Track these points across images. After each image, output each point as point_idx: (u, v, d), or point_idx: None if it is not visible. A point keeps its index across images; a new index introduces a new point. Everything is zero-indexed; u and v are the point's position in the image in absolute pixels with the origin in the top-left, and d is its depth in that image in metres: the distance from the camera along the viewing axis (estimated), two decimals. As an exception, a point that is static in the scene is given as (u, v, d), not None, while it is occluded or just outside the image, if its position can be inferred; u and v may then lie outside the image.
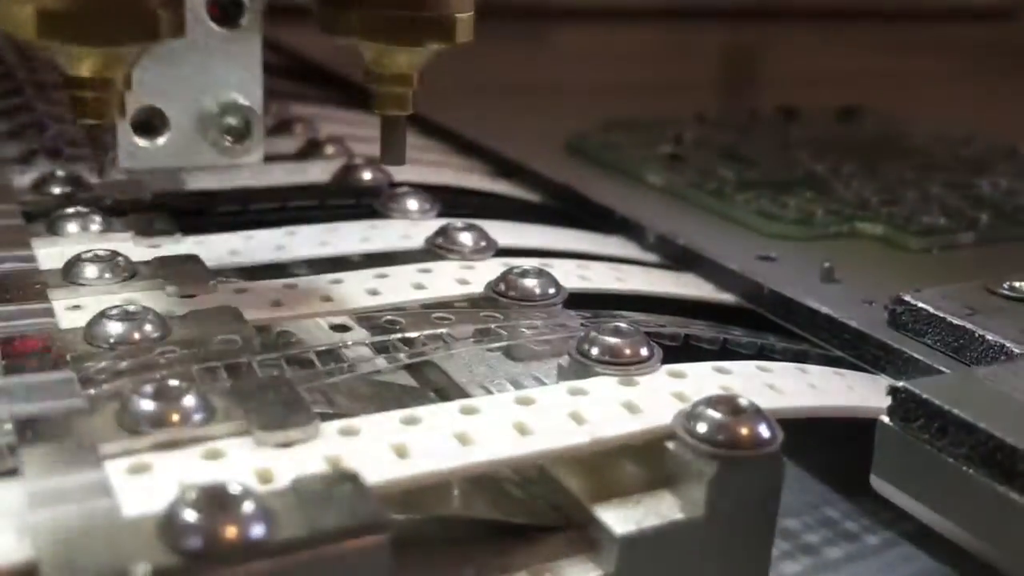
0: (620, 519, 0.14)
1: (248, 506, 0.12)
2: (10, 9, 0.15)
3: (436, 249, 0.22)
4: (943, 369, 0.18)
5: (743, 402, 0.15)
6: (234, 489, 0.12)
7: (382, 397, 0.18)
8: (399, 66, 0.18)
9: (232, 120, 0.23)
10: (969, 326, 0.19)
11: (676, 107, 0.41)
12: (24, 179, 0.25)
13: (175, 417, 0.14)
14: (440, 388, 0.19)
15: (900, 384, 0.16)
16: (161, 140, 0.22)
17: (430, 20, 0.17)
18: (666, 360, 0.17)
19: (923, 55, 0.64)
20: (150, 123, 0.22)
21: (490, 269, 0.21)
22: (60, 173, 0.25)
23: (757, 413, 0.15)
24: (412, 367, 0.19)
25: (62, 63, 0.16)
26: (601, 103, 0.42)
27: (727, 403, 0.15)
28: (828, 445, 0.19)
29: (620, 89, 0.45)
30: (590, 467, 0.15)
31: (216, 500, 0.12)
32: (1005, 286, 0.20)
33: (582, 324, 0.19)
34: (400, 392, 0.18)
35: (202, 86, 0.23)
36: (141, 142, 0.22)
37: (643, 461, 0.15)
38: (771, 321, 0.22)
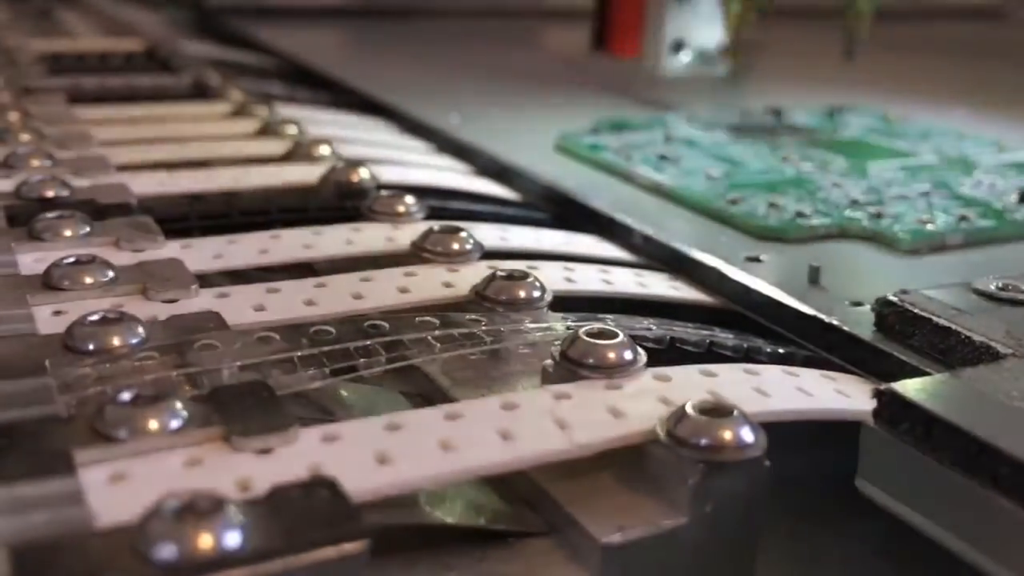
0: (603, 525, 0.14)
1: (223, 516, 0.12)
2: None
3: (421, 252, 0.22)
4: (930, 371, 0.18)
5: (727, 406, 0.15)
6: (210, 498, 0.12)
7: (365, 401, 0.18)
8: None
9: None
10: (955, 327, 0.18)
11: (664, 107, 0.41)
12: (7, 183, 0.25)
13: (152, 424, 0.14)
14: (424, 392, 0.18)
15: (885, 387, 0.16)
16: (685, 59, 0.38)
17: None
18: (652, 363, 0.17)
19: (912, 54, 0.64)
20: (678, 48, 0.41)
21: (475, 272, 0.21)
22: (44, 177, 0.25)
23: (741, 417, 0.15)
24: (396, 371, 0.18)
25: None
26: (590, 102, 0.42)
27: (711, 407, 0.15)
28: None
29: (609, 88, 0.45)
30: (573, 470, 0.15)
31: (191, 510, 0.12)
32: (992, 286, 0.20)
33: (567, 327, 0.19)
34: (383, 396, 0.18)
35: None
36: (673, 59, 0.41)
37: (627, 464, 0.15)
38: (758, 323, 0.22)
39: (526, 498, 0.16)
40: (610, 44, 0.47)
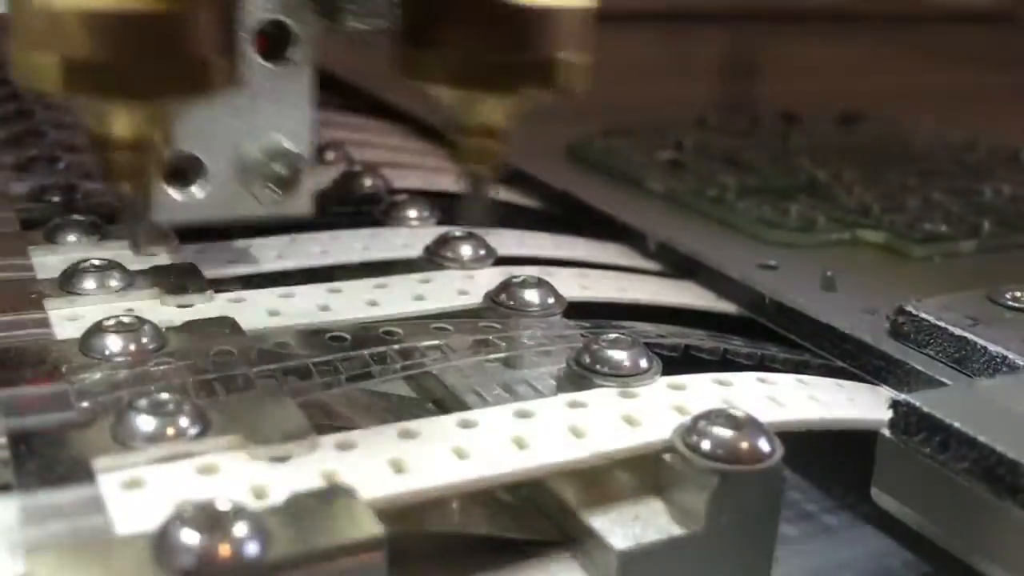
0: (619, 533, 0.14)
1: (242, 524, 0.12)
2: (31, 59, 0.12)
3: (435, 258, 0.22)
4: (945, 380, 0.18)
5: (743, 416, 0.15)
6: (228, 507, 0.12)
7: (380, 408, 0.18)
8: (487, 115, 0.15)
9: (278, 168, 0.20)
10: (971, 337, 0.18)
11: (677, 111, 0.41)
12: (22, 187, 0.25)
13: (170, 431, 0.14)
14: (438, 399, 0.18)
15: (901, 398, 0.16)
16: (197, 190, 0.20)
17: (528, 65, 0.14)
18: (666, 370, 0.17)
19: (924, 58, 0.64)
20: (184, 172, 0.20)
21: (489, 278, 0.21)
22: (57, 181, 0.25)
23: (757, 427, 0.15)
24: (411, 377, 0.18)
25: (89, 120, 0.13)
26: (602, 107, 0.42)
27: (727, 417, 0.15)
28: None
29: (621, 93, 0.45)
30: (588, 478, 0.15)
31: (210, 518, 0.12)
32: (1007, 296, 0.20)
33: (581, 334, 0.19)
34: (398, 403, 0.18)
35: (243, 129, 0.20)
36: (175, 193, 0.20)
37: (642, 473, 0.15)
38: (772, 330, 0.22)
39: (541, 506, 0.16)
40: None
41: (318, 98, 0.20)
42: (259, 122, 0.20)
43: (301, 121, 0.20)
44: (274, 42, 0.20)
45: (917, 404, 0.16)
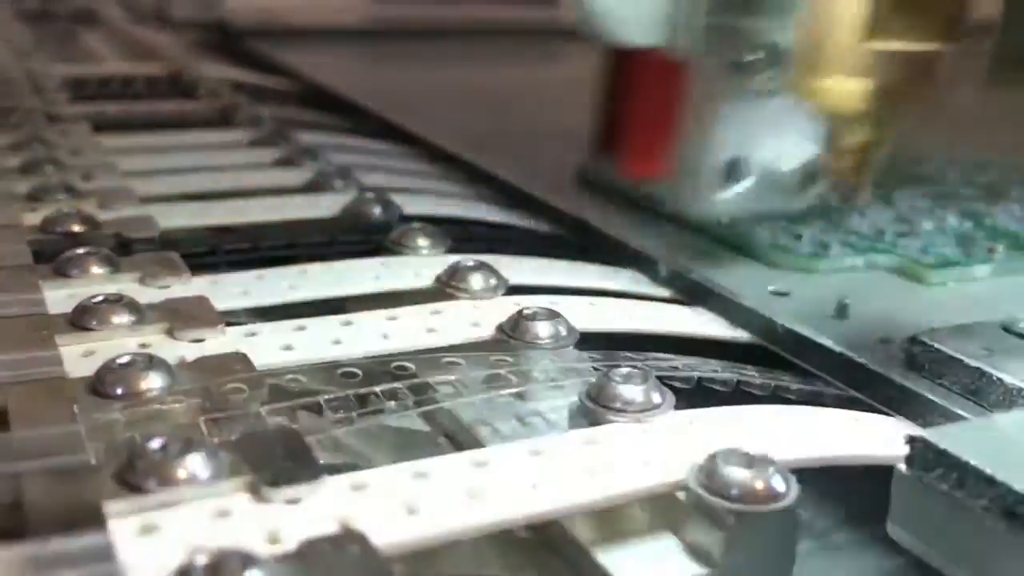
0: (633, 574, 0.14)
1: (255, 573, 0.12)
2: (840, 85, 0.17)
3: (446, 288, 0.22)
4: (961, 412, 0.18)
5: (758, 454, 0.15)
6: (240, 555, 0.12)
7: (393, 443, 0.18)
8: None
9: (796, 166, 0.24)
10: (986, 368, 0.18)
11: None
12: (34, 217, 0.25)
13: (182, 474, 0.14)
14: (451, 433, 0.18)
15: (918, 434, 0.16)
16: (741, 187, 0.23)
17: None
18: (679, 400, 0.17)
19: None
20: (734, 171, 0.24)
21: (501, 309, 0.21)
22: (70, 211, 0.25)
23: (772, 466, 0.15)
24: (423, 413, 0.18)
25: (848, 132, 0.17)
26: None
27: (741, 455, 0.15)
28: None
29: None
30: (602, 516, 0.15)
31: (221, 568, 0.11)
32: (1023, 324, 0.20)
33: (594, 367, 0.19)
34: (411, 438, 0.18)
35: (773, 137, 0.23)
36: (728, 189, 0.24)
37: (657, 512, 0.15)
38: (785, 357, 0.22)
39: (555, 545, 0.16)
40: (622, 158, 0.29)
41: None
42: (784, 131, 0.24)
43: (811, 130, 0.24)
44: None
45: (933, 440, 0.16)
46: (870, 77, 0.18)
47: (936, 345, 0.19)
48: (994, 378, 0.18)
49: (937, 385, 0.19)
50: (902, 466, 0.16)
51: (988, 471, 0.15)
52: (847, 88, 0.18)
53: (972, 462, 0.15)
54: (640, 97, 0.26)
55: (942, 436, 0.16)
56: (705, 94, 0.24)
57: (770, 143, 0.24)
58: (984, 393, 0.18)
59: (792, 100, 0.22)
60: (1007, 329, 0.20)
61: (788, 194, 0.24)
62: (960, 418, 0.18)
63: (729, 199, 0.24)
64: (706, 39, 0.22)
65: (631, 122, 0.28)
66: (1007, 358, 0.19)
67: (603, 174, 0.33)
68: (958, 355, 0.19)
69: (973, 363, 0.19)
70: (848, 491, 0.18)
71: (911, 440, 0.16)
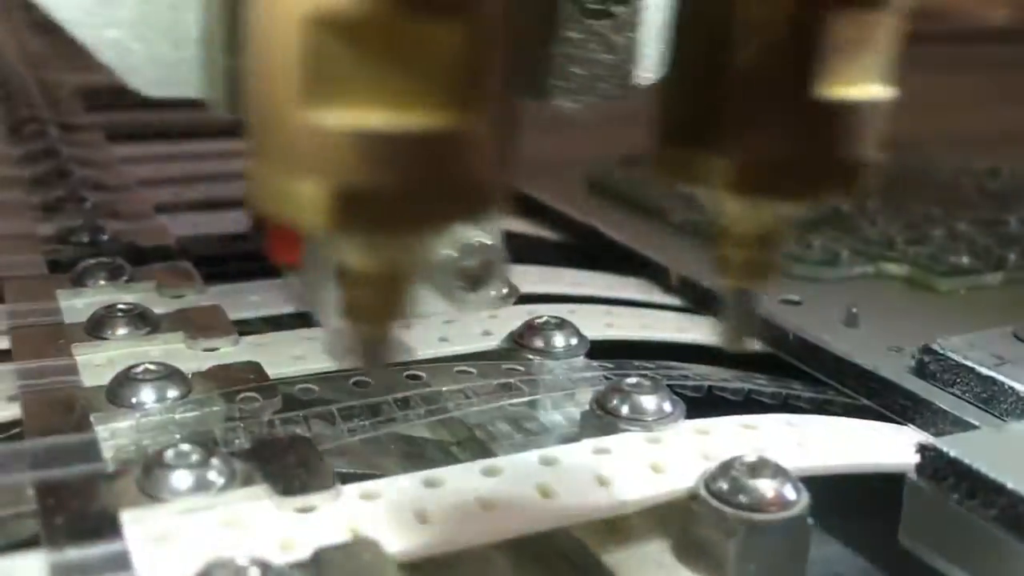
0: (644, 583, 0.14)
1: (269, 582, 0.12)
2: (283, 186, 0.10)
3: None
4: (972, 421, 0.18)
5: (768, 463, 0.15)
6: (254, 564, 0.12)
7: (405, 452, 0.18)
8: (770, 225, 0.12)
9: (469, 263, 0.19)
10: (998, 377, 0.18)
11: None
12: (49, 227, 0.26)
13: (196, 483, 0.14)
14: (462, 441, 0.18)
15: (929, 442, 0.16)
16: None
17: (833, 167, 0.12)
18: (690, 409, 0.17)
19: (946, 79, 0.64)
20: None
21: (512, 318, 0.21)
22: (84, 221, 0.25)
23: (783, 474, 0.15)
24: (435, 421, 0.18)
25: (349, 257, 0.10)
26: (623, 133, 0.42)
27: (752, 464, 0.15)
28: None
29: (641, 119, 0.45)
30: (613, 525, 0.15)
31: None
32: (1035, 333, 0.20)
33: (605, 376, 0.19)
34: (423, 446, 0.18)
35: None
36: None
37: (668, 520, 0.15)
38: (796, 366, 0.22)
39: (566, 553, 0.16)
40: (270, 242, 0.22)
41: None
42: None
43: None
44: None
45: (944, 449, 0.16)
46: (338, 171, 0.09)
47: (947, 353, 0.19)
48: (1006, 386, 0.18)
49: (948, 393, 0.19)
50: (913, 474, 0.16)
51: (999, 479, 0.15)
52: (308, 190, 0.10)
53: (983, 470, 0.15)
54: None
55: (953, 444, 0.16)
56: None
57: None
58: (996, 401, 0.18)
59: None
60: (1019, 337, 0.20)
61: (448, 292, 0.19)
62: (971, 427, 0.18)
63: None
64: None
65: None
66: (1019, 366, 0.19)
67: (614, 183, 0.33)
68: (969, 363, 0.19)
69: (985, 371, 0.19)
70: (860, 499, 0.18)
71: (922, 448, 0.16)
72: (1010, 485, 0.15)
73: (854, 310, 0.22)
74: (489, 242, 0.19)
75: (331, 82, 0.09)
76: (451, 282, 0.19)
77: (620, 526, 0.15)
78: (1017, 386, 0.18)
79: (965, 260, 0.26)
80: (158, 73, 0.13)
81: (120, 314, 0.19)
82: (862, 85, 0.11)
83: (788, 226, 0.12)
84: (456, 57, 0.09)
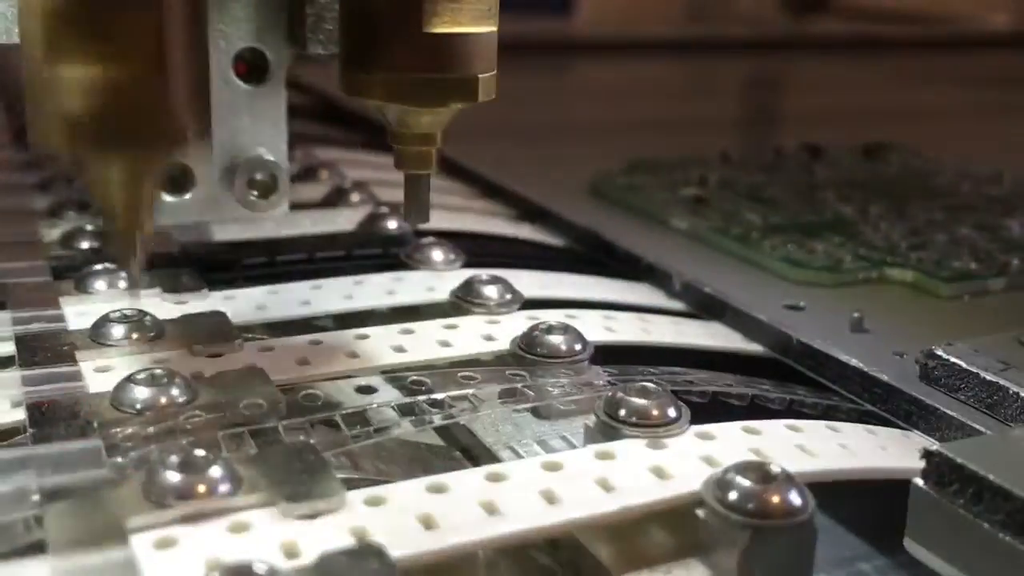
0: (649, 589, 0.14)
1: (274, 588, 0.12)
2: (44, 123, 0.15)
3: (461, 303, 0.22)
4: (977, 426, 0.18)
5: (774, 468, 0.15)
6: (259, 569, 0.12)
7: (409, 458, 0.18)
8: (423, 126, 0.18)
9: (259, 175, 0.23)
10: (1003, 382, 0.18)
11: (700, 142, 0.41)
12: (53, 233, 0.26)
13: (201, 489, 0.14)
14: (467, 447, 0.18)
15: (934, 448, 0.16)
16: (188, 195, 0.22)
17: (454, 82, 0.17)
18: (694, 414, 0.17)
19: (948, 85, 0.64)
20: (177, 179, 0.22)
21: (516, 323, 0.21)
22: (89, 227, 0.25)
23: (788, 480, 0.15)
24: (439, 427, 0.18)
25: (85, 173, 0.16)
26: (624, 139, 0.42)
27: (757, 470, 0.15)
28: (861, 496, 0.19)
29: (643, 124, 0.46)
30: (617, 531, 0.15)
31: (242, 583, 0.12)
32: (1039, 338, 0.20)
33: (609, 382, 0.19)
34: (427, 452, 0.18)
35: (228, 142, 0.22)
36: (169, 198, 0.22)
37: (673, 527, 0.15)
38: (799, 371, 0.22)
39: (569, 560, 0.16)
40: None
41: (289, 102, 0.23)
42: (241, 136, 0.22)
43: (278, 134, 0.23)
44: (251, 67, 0.22)
45: (950, 454, 0.16)
46: (62, 108, 0.14)
47: (952, 359, 0.19)
48: (1010, 392, 0.18)
49: (953, 399, 0.19)
50: (919, 480, 0.16)
51: (1005, 485, 0.15)
52: (47, 123, 0.15)
53: (989, 476, 0.15)
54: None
55: (958, 450, 0.16)
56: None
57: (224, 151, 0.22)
58: (1000, 407, 0.18)
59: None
60: (1023, 342, 0.20)
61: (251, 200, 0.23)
62: (976, 432, 0.18)
63: (175, 206, 0.22)
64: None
65: None
66: (1023, 371, 0.19)
67: (617, 188, 0.33)
68: (974, 369, 0.19)
69: (989, 377, 0.19)
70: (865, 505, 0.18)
71: (927, 454, 0.16)
72: (1016, 490, 0.15)
73: (857, 314, 0.22)
74: (273, 158, 0.23)
75: (59, 49, 0.14)
76: (244, 190, 0.22)
77: (624, 532, 0.15)
78: (1022, 391, 0.18)
79: (968, 265, 0.26)
80: None
81: (124, 320, 0.19)
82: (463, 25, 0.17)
83: (440, 127, 0.18)
84: (140, 37, 0.14)
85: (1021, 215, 0.31)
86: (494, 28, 0.18)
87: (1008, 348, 0.20)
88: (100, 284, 0.22)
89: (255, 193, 0.23)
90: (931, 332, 0.22)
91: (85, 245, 0.25)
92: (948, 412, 0.19)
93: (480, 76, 0.18)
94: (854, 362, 0.21)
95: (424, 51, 0.17)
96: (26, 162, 0.33)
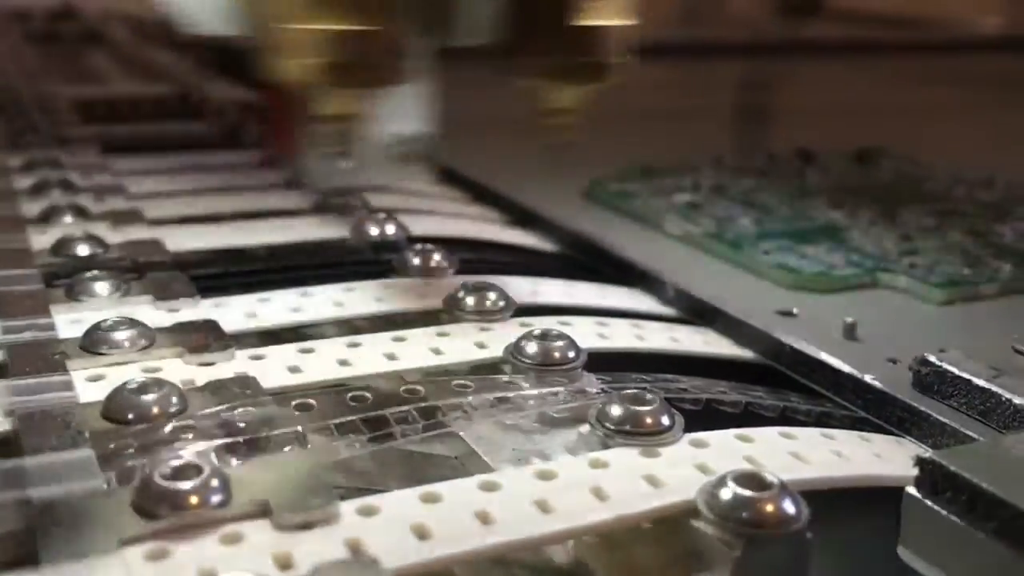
0: (643, 598, 0.14)
1: (267, 600, 0.12)
2: (289, 65, 0.20)
3: (454, 310, 0.22)
4: (970, 433, 0.18)
5: (768, 477, 0.15)
6: (253, 582, 0.12)
7: (402, 467, 0.18)
8: (565, 101, 0.23)
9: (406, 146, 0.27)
10: (995, 389, 0.18)
11: (693, 146, 0.41)
12: (45, 240, 0.25)
13: (193, 500, 0.14)
14: (460, 456, 0.18)
15: (927, 455, 0.16)
16: (347, 163, 0.24)
17: (594, 65, 0.22)
18: (688, 421, 0.17)
19: (941, 87, 0.64)
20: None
21: (509, 330, 0.21)
22: (80, 233, 0.25)
23: (782, 489, 0.15)
24: (432, 435, 0.18)
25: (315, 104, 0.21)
26: (618, 143, 0.42)
27: (751, 478, 0.15)
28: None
29: (637, 127, 0.45)
30: (611, 542, 0.15)
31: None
32: (1032, 344, 0.20)
33: (603, 390, 0.19)
34: (420, 461, 0.18)
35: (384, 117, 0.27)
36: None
37: (666, 536, 0.15)
38: (793, 378, 0.22)
39: (562, 568, 0.16)
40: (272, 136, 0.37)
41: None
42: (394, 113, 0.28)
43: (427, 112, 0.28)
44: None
45: (943, 462, 0.16)
46: (316, 56, 0.20)
47: (944, 365, 0.19)
48: (1003, 399, 0.18)
49: (946, 406, 0.19)
50: (912, 488, 0.16)
51: (998, 493, 0.15)
52: (298, 67, 0.20)
53: (982, 484, 0.15)
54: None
55: (951, 457, 0.16)
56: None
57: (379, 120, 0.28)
58: (993, 414, 0.18)
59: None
60: (1016, 349, 0.20)
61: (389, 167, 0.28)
62: (970, 439, 0.18)
63: (342, 171, 0.26)
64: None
65: (273, 104, 0.36)
66: (1016, 378, 0.19)
67: (611, 193, 0.33)
68: (967, 375, 0.19)
69: (982, 383, 0.19)
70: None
71: (920, 461, 0.16)
72: (1009, 498, 0.15)
73: (850, 320, 0.22)
74: (421, 131, 0.27)
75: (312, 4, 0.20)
76: (393, 160, 0.27)
77: (618, 541, 0.15)
78: (1014, 398, 0.18)
79: (961, 271, 0.26)
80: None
81: (116, 328, 0.19)
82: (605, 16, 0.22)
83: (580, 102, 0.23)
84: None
85: (1013, 220, 0.31)
86: (631, 21, 0.22)
87: (1001, 354, 0.20)
88: (91, 291, 0.22)
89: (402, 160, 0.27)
90: (924, 338, 0.22)
91: (77, 252, 0.25)
92: (941, 419, 0.19)
93: (613, 62, 0.22)
94: (847, 369, 0.21)
95: (571, 39, 0.22)
96: (17, 167, 0.33)
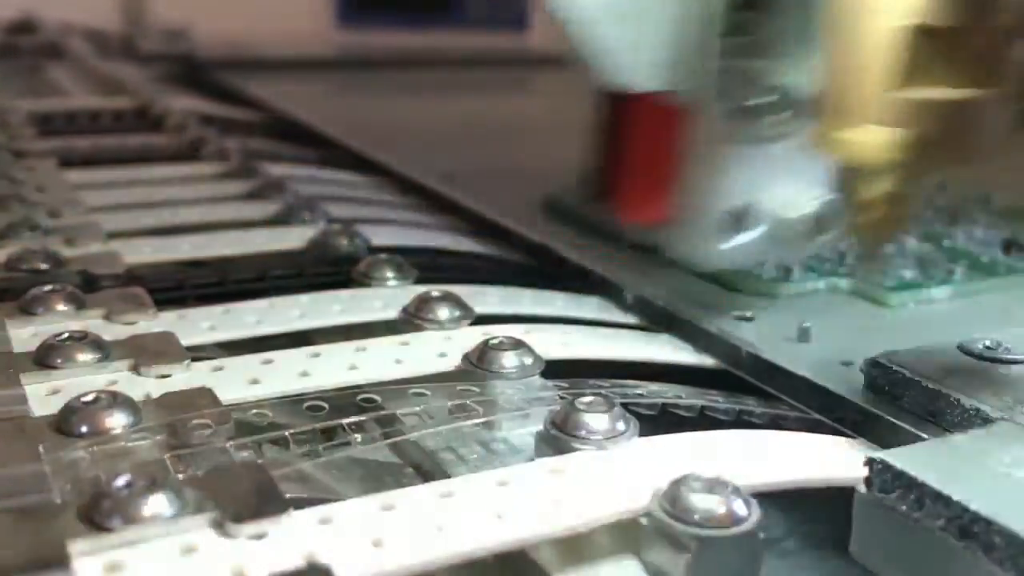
0: (599, 601, 0.14)
1: (219, 610, 0.12)
2: (858, 136, 0.17)
3: (414, 319, 0.22)
4: (921, 434, 0.18)
5: (720, 479, 0.15)
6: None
7: (359, 476, 0.18)
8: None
9: (806, 214, 0.22)
10: (944, 390, 0.19)
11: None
12: (1, 254, 0.25)
13: (147, 512, 0.14)
14: (417, 463, 0.18)
15: (876, 455, 0.16)
16: (748, 236, 0.22)
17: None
18: (645, 426, 0.17)
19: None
20: (741, 220, 0.22)
21: (468, 339, 0.21)
22: (35, 248, 0.25)
23: (734, 490, 0.15)
24: (390, 443, 0.18)
25: (862, 185, 0.18)
26: (579, 152, 0.42)
27: (703, 480, 0.15)
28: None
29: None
30: (567, 544, 0.15)
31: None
32: (979, 345, 0.20)
33: (559, 396, 0.19)
34: (377, 470, 0.18)
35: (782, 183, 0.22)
36: (734, 237, 0.22)
37: (621, 538, 0.15)
38: (750, 382, 0.22)
39: (519, 572, 0.16)
40: (622, 203, 0.27)
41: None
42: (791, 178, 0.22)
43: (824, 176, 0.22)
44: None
45: (891, 461, 0.16)
46: (901, 127, 0.17)
47: (895, 367, 0.20)
48: (951, 399, 0.18)
49: (897, 407, 0.19)
50: (862, 487, 0.16)
51: (945, 491, 0.15)
52: (876, 139, 0.17)
53: (929, 482, 0.15)
54: (640, 140, 0.25)
55: (900, 457, 0.16)
56: (710, 138, 0.22)
57: (779, 190, 0.22)
58: (943, 415, 0.19)
59: (800, 144, 0.21)
60: (964, 350, 0.20)
61: (796, 242, 0.22)
62: (919, 439, 0.18)
63: (735, 248, 0.22)
64: (714, 83, 0.21)
65: (631, 166, 0.26)
66: (964, 379, 0.19)
67: (570, 204, 0.33)
68: (916, 377, 0.19)
69: (932, 385, 0.19)
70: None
71: (870, 462, 0.16)
72: (955, 496, 0.15)
73: (806, 325, 0.23)
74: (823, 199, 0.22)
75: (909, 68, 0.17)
76: (801, 231, 0.22)
77: (575, 546, 0.15)
78: (962, 398, 0.18)
79: (914, 275, 0.26)
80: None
81: (70, 342, 0.19)
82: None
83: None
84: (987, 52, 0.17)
85: (965, 224, 0.32)
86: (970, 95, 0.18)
87: (950, 356, 0.20)
88: (45, 305, 0.22)
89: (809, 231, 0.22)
90: (878, 341, 0.22)
91: (32, 266, 0.24)
92: (893, 420, 0.19)
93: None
94: (802, 372, 0.21)
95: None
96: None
